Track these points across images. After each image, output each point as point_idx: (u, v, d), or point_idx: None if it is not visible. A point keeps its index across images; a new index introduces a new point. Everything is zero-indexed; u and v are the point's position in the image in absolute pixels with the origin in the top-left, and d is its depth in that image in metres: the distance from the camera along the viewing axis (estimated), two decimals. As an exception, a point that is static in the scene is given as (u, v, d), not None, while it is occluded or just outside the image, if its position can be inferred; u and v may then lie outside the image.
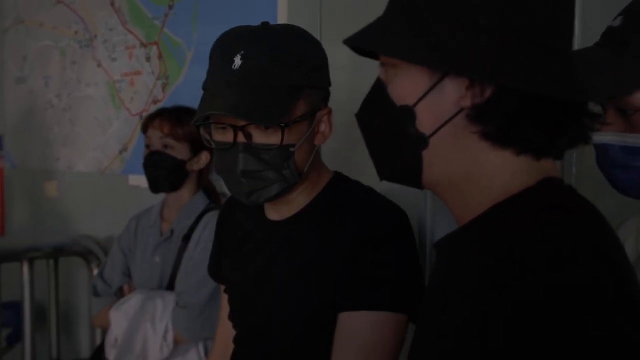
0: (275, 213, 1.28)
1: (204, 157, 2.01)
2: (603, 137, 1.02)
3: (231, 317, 1.40)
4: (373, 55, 0.87)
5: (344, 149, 1.76)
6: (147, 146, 2.01)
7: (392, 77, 0.80)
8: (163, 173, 1.98)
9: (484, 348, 0.66)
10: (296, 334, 1.23)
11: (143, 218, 2.13)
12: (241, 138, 1.14)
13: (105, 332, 2.07)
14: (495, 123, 0.74)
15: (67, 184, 3.11)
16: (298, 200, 1.25)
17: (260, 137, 1.15)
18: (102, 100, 2.83)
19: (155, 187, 2.02)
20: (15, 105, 3.43)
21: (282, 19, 1.94)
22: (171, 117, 1.98)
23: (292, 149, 1.17)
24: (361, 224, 1.20)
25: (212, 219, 1.95)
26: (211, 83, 1.18)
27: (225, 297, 1.45)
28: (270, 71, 1.14)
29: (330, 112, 1.24)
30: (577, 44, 1.28)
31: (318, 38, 1.82)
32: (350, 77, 1.71)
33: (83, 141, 2.98)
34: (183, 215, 2.01)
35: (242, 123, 1.13)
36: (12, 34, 3.42)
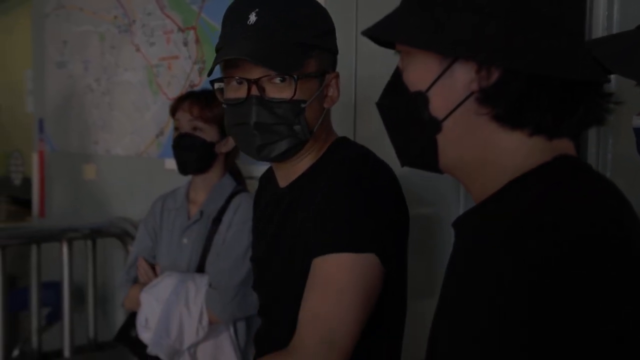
0: (283, 179, 1.31)
1: (232, 139, 2.02)
2: (638, 120, 1.02)
3: (254, 288, 1.43)
4: (392, 45, 0.89)
5: (379, 137, 1.76)
6: (176, 128, 2.04)
7: (406, 64, 0.83)
8: (192, 155, 2.00)
9: (500, 308, 0.68)
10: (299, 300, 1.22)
11: (168, 199, 2.15)
12: (254, 92, 1.17)
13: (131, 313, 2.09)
14: (503, 105, 0.76)
15: (105, 167, 3.17)
16: (303, 164, 1.27)
17: (273, 92, 1.18)
18: (140, 85, 2.86)
19: (184, 168, 2.05)
20: (55, 89, 3.50)
21: None
22: (200, 99, 2.01)
23: (303, 105, 1.20)
24: (331, 177, 1.21)
25: (242, 200, 1.97)
26: (225, 40, 1.20)
27: None
28: (284, 27, 1.18)
29: (337, 76, 1.28)
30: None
31: (354, 26, 1.82)
32: (386, 68, 1.71)
33: (121, 125, 3.02)
34: (212, 197, 2.02)
35: (256, 76, 1.17)
36: (53, 19, 3.48)
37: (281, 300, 1.29)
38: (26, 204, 3.96)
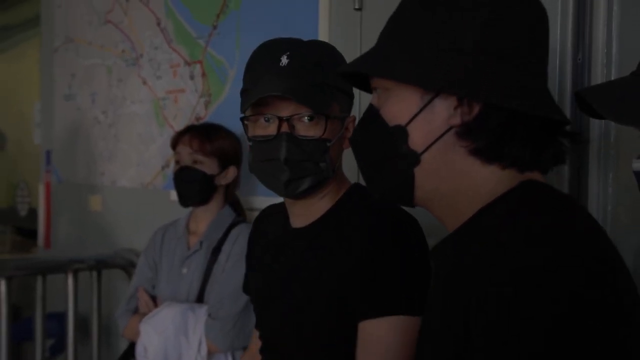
0: (299, 219, 1.32)
1: (232, 172, 2.08)
2: (637, 164, 1.02)
3: (256, 326, 1.44)
4: (364, 87, 0.94)
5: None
6: (177, 162, 2.10)
7: (385, 99, 0.87)
8: (193, 187, 2.05)
9: (465, 332, 0.71)
10: (312, 342, 1.25)
11: (169, 230, 2.19)
12: (285, 129, 1.20)
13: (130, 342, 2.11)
14: (483, 139, 0.80)
15: (110, 198, 3.18)
16: (320, 206, 1.29)
17: (302, 130, 1.21)
18: (146, 117, 2.90)
19: (185, 201, 2.09)
20: (63, 121, 3.53)
21: (323, 37, 1.98)
22: (200, 133, 2.06)
23: (328, 144, 1.23)
24: (371, 230, 1.22)
25: (241, 231, 2.00)
26: (255, 79, 1.23)
27: None
28: (314, 68, 1.22)
29: (354, 119, 1.30)
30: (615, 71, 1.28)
31: (358, 53, 1.85)
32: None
33: (127, 157, 3.05)
34: (212, 228, 2.06)
35: (287, 113, 1.20)
36: (62, 53, 3.53)
37: (289, 344, 1.29)
38: (32, 234, 3.97)
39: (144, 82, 2.90)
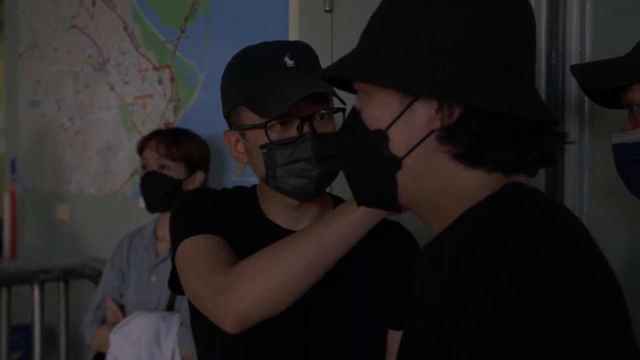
0: (292, 222, 1.27)
1: (199, 176, 2.06)
2: (615, 138, 1.07)
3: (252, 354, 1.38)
4: (347, 88, 0.92)
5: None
6: (143, 167, 2.07)
7: (366, 103, 0.84)
8: (159, 193, 2.02)
9: (438, 337, 0.70)
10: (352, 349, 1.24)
11: (135, 237, 2.16)
12: (307, 128, 1.18)
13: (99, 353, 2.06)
14: (464, 143, 0.78)
15: (78, 207, 3.12)
16: (316, 210, 1.28)
17: (319, 127, 1.20)
18: (114, 123, 2.84)
19: (151, 206, 2.07)
20: (28, 128, 3.46)
21: (293, 40, 1.95)
22: (167, 137, 2.04)
23: None
24: (393, 241, 1.25)
25: None
26: (263, 82, 1.19)
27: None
28: (317, 67, 1.22)
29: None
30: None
31: (329, 59, 1.84)
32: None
33: (94, 164, 2.99)
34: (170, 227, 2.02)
35: (304, 113, 1.17)
36: (27, 58, 3.46)
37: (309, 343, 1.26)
38: (-4, 245, 3.89)
39: (112, 88, 2.85)
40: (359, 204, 0.92)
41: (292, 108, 1.16)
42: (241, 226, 1.31)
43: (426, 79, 0.76)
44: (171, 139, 2.05)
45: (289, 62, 1.19)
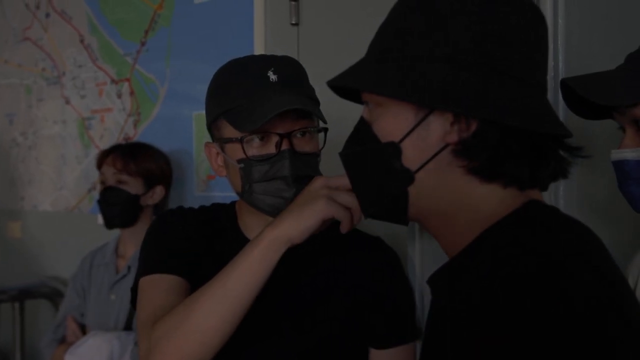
0: None
1: (159, 191, 2.03)
2: (619, 154, 1.05)
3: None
4: (353, 97, 0.89)
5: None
6: (102, 182, 2.04)
7: (377, 115, 0.82)
8: (117, 208, 1.99)
9: None
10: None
11: (97, 255, 2.13)
12: (285, 146, 1.16)
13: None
14: (480, 157, 0.76)
15: (32, 224, 3.03)
16: None
17: (298, 145, 1.18)
18: (70, 138, 2.77)
19: (109, 222, 2.04)
20: (-22, 143, 3.34)
21: (258, 53, 1.94)
22: (124, 152, 2.02)
23: (319, 159, 1.23)
24: (375, 260, 1.25)
25: None
26: (244, 96, 1.17)
27: (175, 280, 1.30)
28: (301, 83, 1.21)
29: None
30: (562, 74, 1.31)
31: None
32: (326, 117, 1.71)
33: (49, 180, 2.91)
34: (137, 253, 1.99)
35: (284, 130, 1.16)
36: (-25, 71, 3.35)
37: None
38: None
39: (67, 102, 2.78)
40: (367, 217, 0.89)
41: (271, 124, 1.15)
42: (217, 243, 1.29)
43: (440, 91, 0.74)
44: (129, 154, 2.02)
45: (272, 77, 1.17)
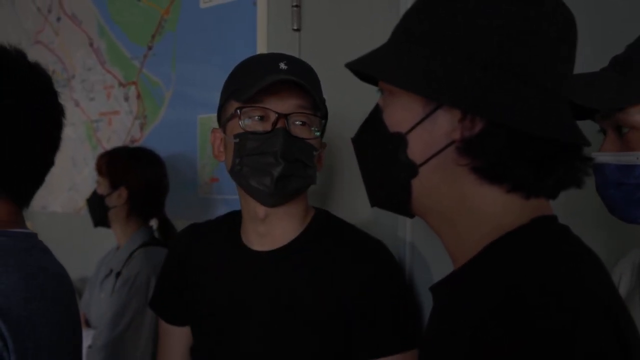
0: (262, 241, 1.27)
1: (123, 193, 2.04)
2: (600, 157, 1.05)
3: (199, 353, 1.36)
4: (373, 82, 0.88)
5: (329, 191, 1.76)
6: None
7: (389, 103, 0.81)
8: (89, 208, 2.11)
9: None
10: None
11: (108, 254, 2.20)
12: (281, 125, 1.18)
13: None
14: (484, 157, 0.74)
15: (41, 224, 3.06)
16: (287, 228, 1.26)
17: (296, 130, 1.20)
18: (79, 140, 2.81)
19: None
20: (-10, 144, 3.39)
21: (261, 59, 1.96)
22: (104, 154, 2.10)
23: (315, 152, 1.22)
24: (362, 266, 1.22)
25: (139, 254, 1.97)
26: (254, 80, 1.19)
27: (169, 334, 1.43)
28: (310, 79, 1.23)
29: (325, 146, 1.31)
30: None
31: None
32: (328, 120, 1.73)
33: (58, 181, 2.95)
34: (120, 252, 2.04)
35: (284, 110, 1.18)
36: (-11, 74, 3.39)
37: None
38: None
39: (77, 104, 2.82)
40: (372, 205, 0.88)
41: (271, 102, 1.18)
42: (219, 253, 1.33)
43: (452, 87, 0.73)
44: (106, 155, 2.10)
45: (283, 66, 1.19)
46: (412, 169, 0.78)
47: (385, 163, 0.81)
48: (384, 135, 0.81)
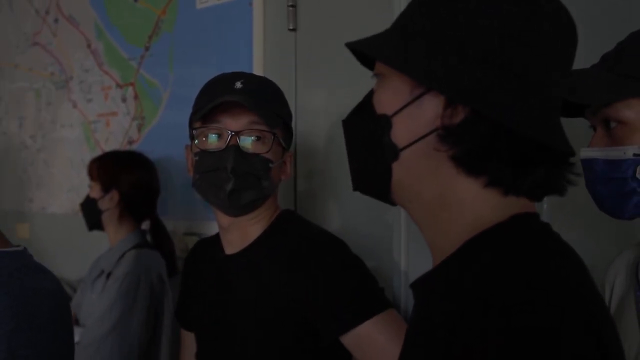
0: (232, 245, 1.36)
1: (115, 196, 2.05)
2: (588, 152, 1.05)
3: (197, 358, 1.46)
4: (371, 67, 0.88)
5: (319, 192, 1.76)
6: None
7: (380, 86, 0.82)
8: (83, 212, 2.13)
9: None
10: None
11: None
12: (233, 142, 1.26)
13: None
14: (462, 146, 0.74)
15: (40, 226, 3.07)
16: (254, 230, 1.34)
17: (249, 146, 1.28)
18: (77, 141, 2.82)
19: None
20: (-12, 146, 3.40)
21: (257, 61, 1.96)
22: (96, 158, 2.12)
23: (271, 165, 1.29)
24: (322, 254, 1.29)
25: (128, 256, 1.98)
26: (210, 99, 1.28)
27: (184, 338, 1.57)
28: (266, 96, 1.30)
29: (292, 156, 1.40)
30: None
31: (293, 81, 1.86)
32: (323, 120, 1.73)
33: (57, 182, 2.95)
34: (110, 254, 2.05)
35: (236, 128, 1.26)
36: (-13, 76, 3.41)
37: None
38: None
39: (75, 105, 2.82)
40: (355, 189, 0.87)
41: (224, 122, 1.27)
42: (209, 263, 1.46)
43: (440, 74, 0.73)
44: (98, 160, 2.11)
45: (238, 85, 1.28)
46: (394, 152, 0.78)
47: (368, 145, 0.82)
48: (370, 117, 0.81)
